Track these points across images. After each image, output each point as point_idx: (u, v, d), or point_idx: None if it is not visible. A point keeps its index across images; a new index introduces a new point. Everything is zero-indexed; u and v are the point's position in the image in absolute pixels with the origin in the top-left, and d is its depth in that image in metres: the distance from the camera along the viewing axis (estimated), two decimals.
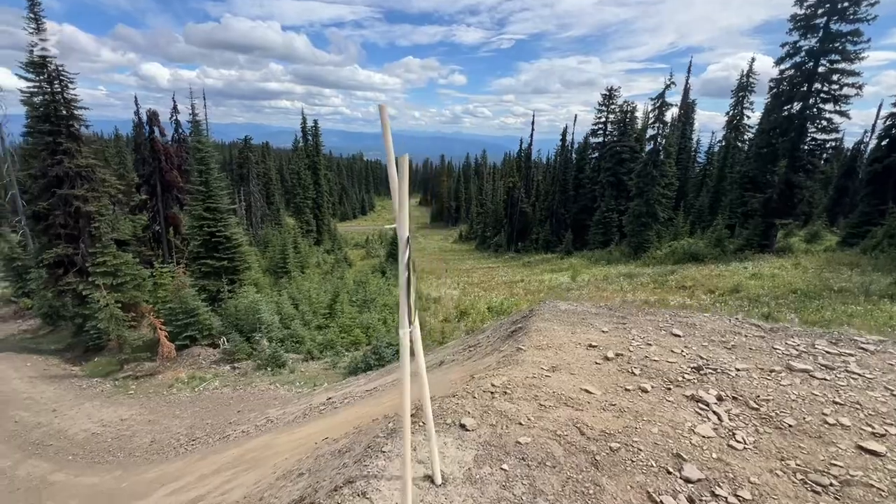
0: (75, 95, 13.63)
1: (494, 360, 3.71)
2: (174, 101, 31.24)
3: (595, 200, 42.60)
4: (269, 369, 12.40)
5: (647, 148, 34.32)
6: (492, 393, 2.94)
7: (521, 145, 59.02)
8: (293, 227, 46.29)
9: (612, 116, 42.83)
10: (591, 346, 3.99)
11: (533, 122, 53.60)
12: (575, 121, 49.44)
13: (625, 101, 41.24)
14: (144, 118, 18.95)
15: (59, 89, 13.41)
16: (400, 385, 1.79)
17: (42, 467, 7.90)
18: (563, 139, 49.78)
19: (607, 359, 3.68)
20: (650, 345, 4.04)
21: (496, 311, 17.89)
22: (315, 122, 55.92)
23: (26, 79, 13.43)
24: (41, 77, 13.57)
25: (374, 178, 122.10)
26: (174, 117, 33.03)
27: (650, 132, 33.96)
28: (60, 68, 13.29)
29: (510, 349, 3.77)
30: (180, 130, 33.77)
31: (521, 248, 49.74)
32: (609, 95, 42.52)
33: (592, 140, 45.91)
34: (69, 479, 7.19)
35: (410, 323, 1.80)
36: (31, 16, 12.93)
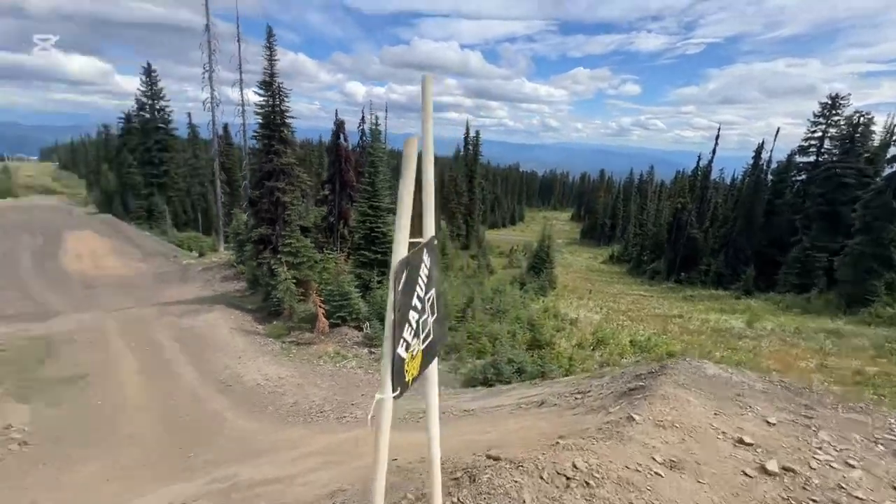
0: (288, 107, 16.94)
1: (595, 422, 2.95)
2: (363, 113, 36.25)
3: (793, 233, 34.41)
4: None
5: (886, 172, 26.20)
6: (567, 479, 2.23)
7: (698, 162, 51.51)
8: (444, 230, 49.18)
9: (832, 130, 34.09)
10: (741, 441, 2.80)
11: (717, 136, 46.30)
12: (776, 135, 40.77)
13: (856, 112, 32.27)
14: (347, 128, 22.46)
15: (278, 102, 16.79)
16: (371, 482, 1.40)
17: (222, 403, 9.88)
18: (757, 157, 41.59)
19: (766, 471, 2.47)
20: (851, 466, 2.66)
21: (640, 348, 15.82)
22: (477, 132, 58.51)
23: (259, 94, 17.16)
24: (268, 93, 17.17)
25: (528, 189, 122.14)
26: (361, 126, 38.26)
27: (893, 151, 25.88)
28: (281, 86, 16.65)
29: (619, 414, 2.93)
30: (364, 138, 38.97)
31: (683, 279, 43.33)
32: (832, 104, 33.95)
33: (800, 159, 37.32)
34: (235, 418, 8.80)
35: (395, 388, 1.35)
36: (267, 45, 16.50)
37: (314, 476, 3.61)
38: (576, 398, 4.52)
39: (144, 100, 47.57)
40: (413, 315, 1.45)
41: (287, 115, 16.99)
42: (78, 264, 31.99)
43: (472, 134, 57.57)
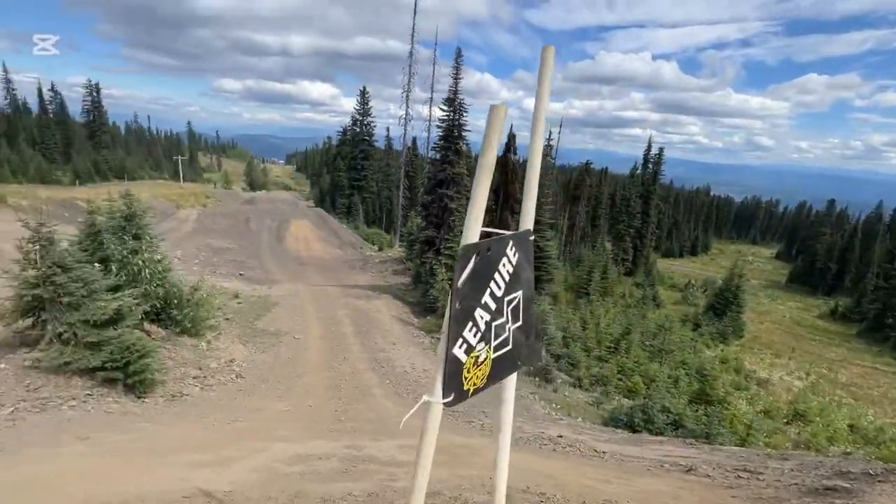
0: (466, 121, 18.26)
1: None
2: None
3: None
4: (536, 380, 12.84)
5: None
6: None
7: None
8: (608, 251, 45.76)
9: None
10: None
11: None
12: None
13: None
14: (518, 143, 23.15)
15: (458, 117, 18.22)
16: (410, 493, 1.23)
17: (373, 379, 11.15)
18: None
19: None
20: None
21: (864, 438, 11.85)
22: (660, 149, 52.93)
23: (443, 110, 18.91)
24: (450, 109, 18.80)
25: (718, 217, 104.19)
26: (518, 143, 38.50)
27: None
28: (462, 102, 18.05)
29: None
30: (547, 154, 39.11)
31: None
32: None
33: None
34: (380, 396, 9.82)
35: (447, 394, 1.18)
36: (455, 65, 18.10)
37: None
38: (739, 476, 3.55)
39: (358, 117, 57.58)
40: (482, 314, 1.28)
41: (464, 128, 18.31)
42: (295, 245, 40.50)
43: (654, 151, 52.24)
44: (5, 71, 62.06)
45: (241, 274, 26.60)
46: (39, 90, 65.09)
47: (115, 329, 7.73)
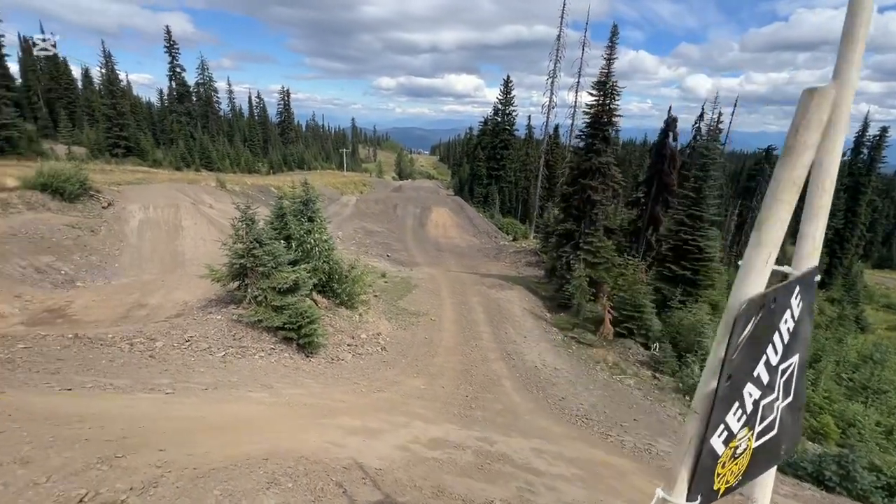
0: (617, 106, 16.69)
1: None
2: (702, 109, 31.77)
3: None
4: (686, 398, 11.26)
5: None
6: None
7: None
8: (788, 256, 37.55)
9: None
10: None
11: None
12: None
13: None
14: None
15: (608, 102, 16.77)
16: None
17: (503, 370, 11.17)
18: None
19: None
20: None
21: None
22: (882, 130, 41.01)
23: (592, 94, 17.62)
24: (601, 93, 17.40)
25: None
26: (697, 125, 33.67)
27: None
28: (615, 85, 16.52)
29: None
30: (698, 137, 34.14)
31: None
32: None
33: None
34: (510, 389, 9.78)
35: (692, 496, 0.85)
36: (609, 45, 16.60)
37: (564, 487, 3.53)
38: None
39: (500, 106, 57.80)
40: (752, 390, 0.94)
41: (615, 113, 16.78)
42: (435, 231, 42.96)
43: (872, 131, 40.55)
44: (229, 84, 79.15)
45: (388, 255, 29.32)
46: (249, 98, 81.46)
47: (293, 296, 9.24)
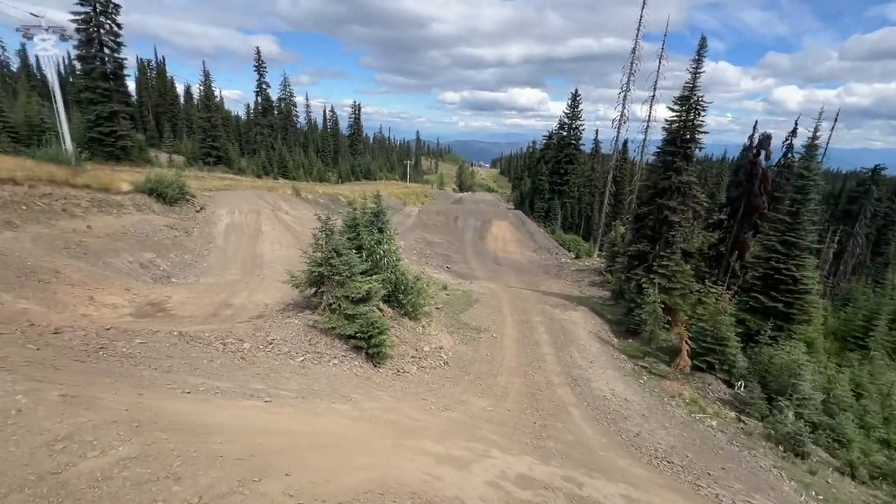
0: (701, 122, 15.61)
1: None
2: (796, 125, 28.98)
3: None
4: (780, 448, 10.03)
5: None
6: None
7: None
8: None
9: None
10: None
11: None
12: None
13: None
14: (755, 141, 18.93)
15: (692, 117, 15.75)
16: None
17: (569, 397, 10.65)
18: None
19: None
20: None
21: None
22: None
23: (673, 109, 16.66)
24: (683, 108, 16.41)
25: None
26: (789, 140, 30.82)
27: None
28: (700, 100, 15.48)
29: None
30: (790, 155, 31.22)
31: None
32: None
33: None
34: (579, 419, 9.28)
35: None
36: (696, 58, 15.64)
37: None
38: None
39: (566, 120, 56.67)
40: None
41: (700, 130, 15.70)
42: (494, 245, 42.68)
43: None
44: (307, 99, 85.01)
45: (447, 267, 29.50)
46: (324, 112, 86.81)
47: (364, 306, 9.49)
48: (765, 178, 16.21)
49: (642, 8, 33.66)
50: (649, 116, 36.39)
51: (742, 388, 12.60)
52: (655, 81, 35.04)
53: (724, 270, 17.27)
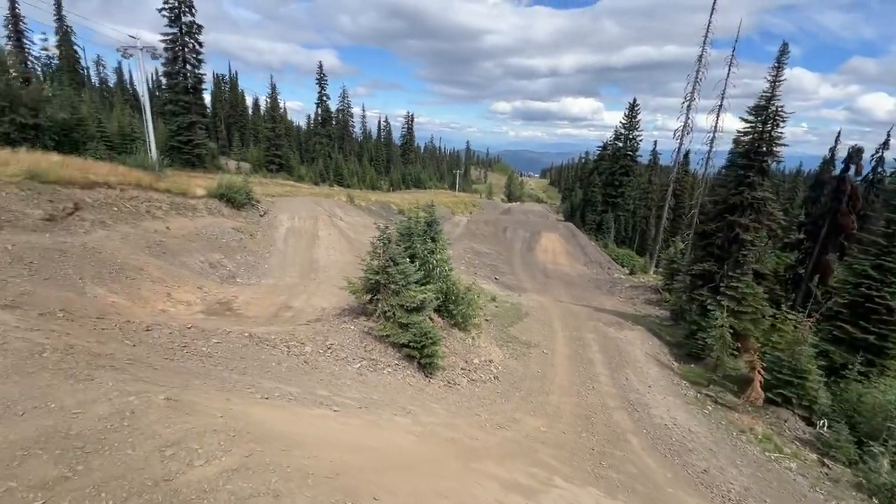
0: (781, 133, 14.44)
1: None
2: (888, 136, 26.17)
3: None
4: (874, 501, 8.88)
5: None
6: None
7: None
8: None
9: None
10: None
11: None
12: None
13: None
14: (836, 153, 17.29)
15: (770, 128, 14.63)
16: None
17: (627, 424, 10.08)
18: None
19: None
20: None
21: None
22: None
23: (746, 121, 15.58)
24: (758, 118, 15.29)
25: None
26: (879, 153, 27.90)
27: None
28: (779, 110, 14.36)
29: None
30: (880, 169, 28.27)
31: None
32: None
33: None
34: (638, 448, 8.74)
35: None
36: (775, 65, 14.54)
37: None
38: None
39: (623, 131, 54.77)
40: None
41: (777, 142, 14.53)
42: (543, 257, 41.80)
43: None
44: (363, 110, 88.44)
45: (495, 278, 29.19)
46: (379, 122, 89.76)
47: (418, 315, 9.54)
48: (854, 196, 14.68)
49: (711, 13, 32.00)
50: (715, 127, 34.37)
51: (825, 428, 11.34)
52: (724, 90, 33.06)
53: (804, 295, 15.76)
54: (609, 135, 58.34)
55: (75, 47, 50.25)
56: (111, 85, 65.22)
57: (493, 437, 6.26)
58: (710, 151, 34.81)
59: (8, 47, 26.53)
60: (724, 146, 37.00)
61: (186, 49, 36.70)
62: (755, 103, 15.34)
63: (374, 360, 8.07)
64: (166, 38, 35.66)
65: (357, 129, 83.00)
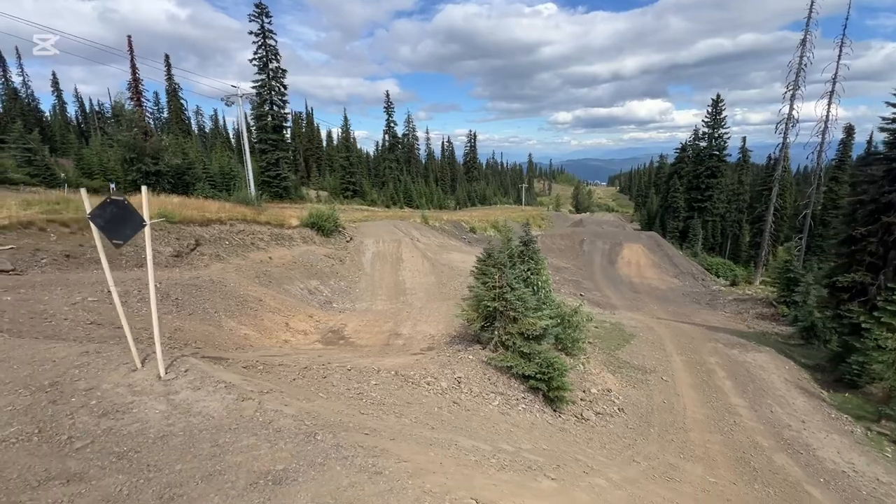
0: None
1: None
2: None
3: None
4: None
5: None
6: None
7: None
8: None
9: None
10: None
11: None
12: None
13: None
14: None
15: None
16: None
17: (792, 469, 8.55)
18: None
19: None
20: None
21: None
22: None
23: (893, 105, 13.34)
24: None
25: None
26: None
27: None
28: None
29: None
30: None
31: None
32: None
33: None
34: (816, 499, 7.27)
35: None
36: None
37: None
38: None
39: (706, 129, 50.70)
40: None
41: None
42: (627, 270, 39.24)
43: None
44: (427, 133, 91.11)
45: (581, 295, 27.67)
46: (442, 143, 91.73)
47: (539, 344, 8.91)
48: None
49: None
50: (827, 115, 30.50)
51: None
52: (835, 73, 29.37)
53: None
54: (683, 135, 54.83)
55: (182, 101, 57.11)
56: (207, 131, 73.14)
57: (671, 493, 5.38)
58: (821, 143, 30.87)
59: (130, 106, 30.57)
60: (835, 136, 32.42)
61: (273, 92, 40.01)
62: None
63: (503, 393, 7.54)
64: (256, 83, 39.19)
65: (422, 152, 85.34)
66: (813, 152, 30.51)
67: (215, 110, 77.22)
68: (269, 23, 38.59)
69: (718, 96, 50.05)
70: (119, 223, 4.32)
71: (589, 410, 9.25)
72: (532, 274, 12.59)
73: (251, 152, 46.83)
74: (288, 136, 50.58)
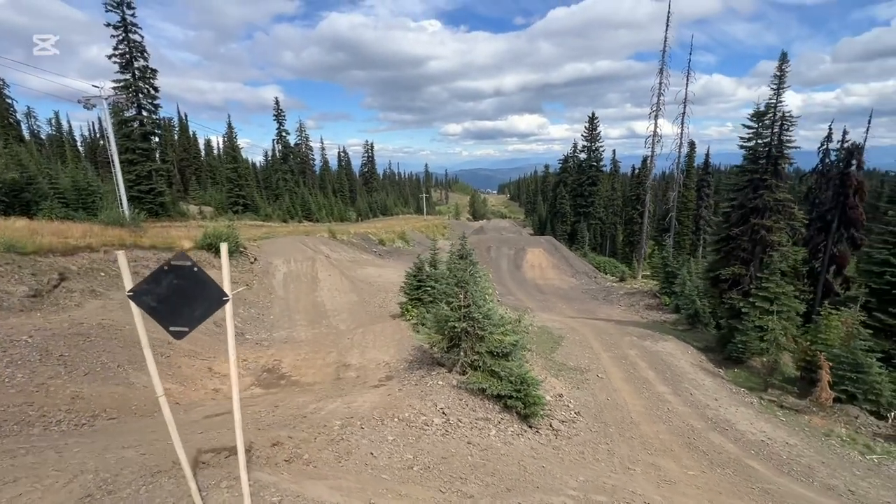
0: (790, 137, 15.11)
1: None
2: (830, 129, 28.40)
3: None
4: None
5: None
6: None
7: None
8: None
9: None
10: None
11: None
12: None
13: None
14: (828, 153, 18.45)
15: (777, 132, 15.27)
16: None
17: (727, 446, 9.61)
18: None
19: None
20: None
21: None
22: None
23: (748, 126, 16.21)
24: (758, 124, 15.97)
25: None
26: (824, 146, 30.18)
27: None
28: (786, 115, 15.04)
29: None
30: (826, 160, 30.58)
31: None
32: None
33: None
34: (767, 474, 8.23)
35: None
36: (777, 73, 15.29)
37: None
38: None
39: (586, 143, 56.93)
40: None
41: (788, 145, 15.18)
42: (532, 273, 41.81)
43: None
44: (322, 142, 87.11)
45: (499, 300, 28.53)
46: (338, 153, 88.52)
47: (508, 361, 8.71)
48: (860, 189, 15.54)
49: (666, 29, 34.09)
50: (681, 133, 36.27)
51: None
52: (685, 98, 35.08)
53: (824, 290, 16.33)
54: (559, 147, 61.50)
55: (8, 100, 46.05)
56: (44, 137, 60.20)
57: (683, 496, 5.53)
58: (679, 156, 36.63)
59: None
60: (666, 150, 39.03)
61: (141, 94, 34.43)
62: (755, 110, 16.04)
63: (488, 418, 7.14)
64: (118, 84, 33.33)
65: (317, 162, 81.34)
66: (673, 163, 36.01)
67: (56, 113, 64.03)
68: (133, 15, 33.21)
69: (593, 114, 56.70)
70: None
71: (556, 420, 9.31)
72: (473, 284, 12.45)
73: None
74: (156, 144, 44.06)
